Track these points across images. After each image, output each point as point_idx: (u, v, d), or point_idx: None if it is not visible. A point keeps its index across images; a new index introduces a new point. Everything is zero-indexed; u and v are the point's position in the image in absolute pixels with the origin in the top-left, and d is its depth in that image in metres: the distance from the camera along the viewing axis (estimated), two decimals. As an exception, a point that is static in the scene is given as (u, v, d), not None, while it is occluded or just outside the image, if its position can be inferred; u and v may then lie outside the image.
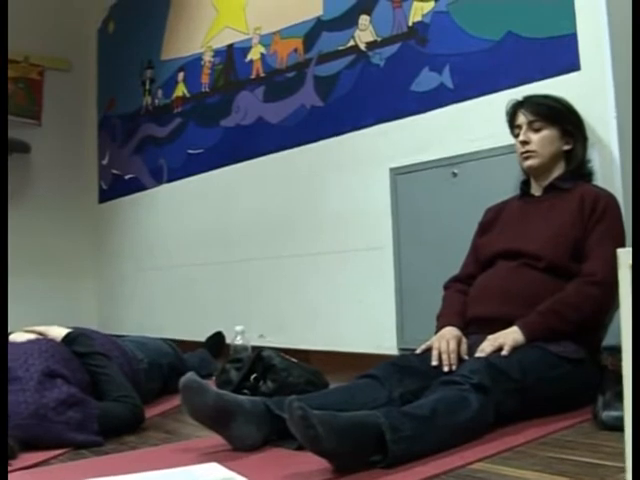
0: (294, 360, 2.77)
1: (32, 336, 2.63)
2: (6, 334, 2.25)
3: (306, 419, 1.69)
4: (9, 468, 1.96)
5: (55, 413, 2.21)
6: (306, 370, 2.76)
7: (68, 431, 2.22)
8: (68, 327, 2.69)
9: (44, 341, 2.54)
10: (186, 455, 2.07)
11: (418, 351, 2.49)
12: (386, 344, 3.57)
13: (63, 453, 2.18)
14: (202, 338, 4.32)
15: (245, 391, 2.62)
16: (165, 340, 3.34)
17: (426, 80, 3.54)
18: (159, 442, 2.35)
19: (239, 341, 3.45)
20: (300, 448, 2.01)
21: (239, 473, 1.80)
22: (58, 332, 2.63)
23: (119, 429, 2.39)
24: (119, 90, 6.12)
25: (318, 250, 4.08)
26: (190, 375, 2.07)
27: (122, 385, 2.50)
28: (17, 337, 2.64)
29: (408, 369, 2.35)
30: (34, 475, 1.94)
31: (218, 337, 4.20)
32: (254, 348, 3.17)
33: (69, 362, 2.45)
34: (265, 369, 2.67)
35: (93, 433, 2.27)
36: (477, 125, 3.32)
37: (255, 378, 2.66)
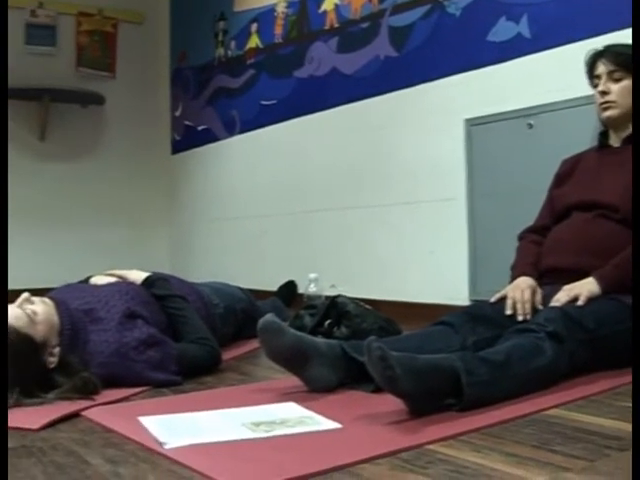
0: (368, 307, 2.79)
1: (112, 279, 2.70)
2: (6, 332, 2.30)
3: (385, 359, 1.71)
4: (92, 403, 2.04)
5: (136, 352, 2.27)
6: (379, 317, 2.79)
7: (148, 370, 2.28)
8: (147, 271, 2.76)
9: (124, 284, 2.60)
10: (263, 395, 2.11)
11: (492, 300, 2.49)
12: (458, 295, 3.57)
13: (143, 391, 2.25)
14: (272, 288, 4.38)
15: (319, 337, 2.65)
16: (239, 287, 3.39)
17: (503, 30, 3.50)
18: (236, 383, 2.41)
19: (312, 288, 3.49)
20: (375, 391, 2.05)
21: (316, 413, 1.85)
22: (138, 275, 2.69)
23: (197, 370, 2.45)
24: (191, 42, 6.16)
25: (389, 201, 4.09)
26: (269, 316, 2.11)
27: (200, 327, 2.55)
28: (98, 280, 2.71)
29: (482, 317, 2.35)
30: (116, 410, 2.00)
31: (290, 286, 4.24)
32: (326, 297, 3.20)
33: (148, 304, 2.50)
34: (339, 315, 2.70)
35: (172, 373, 2.34)
36: (554, 76, 3.27)
37: (329, 324, 2.70)
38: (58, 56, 6.33)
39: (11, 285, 5.44)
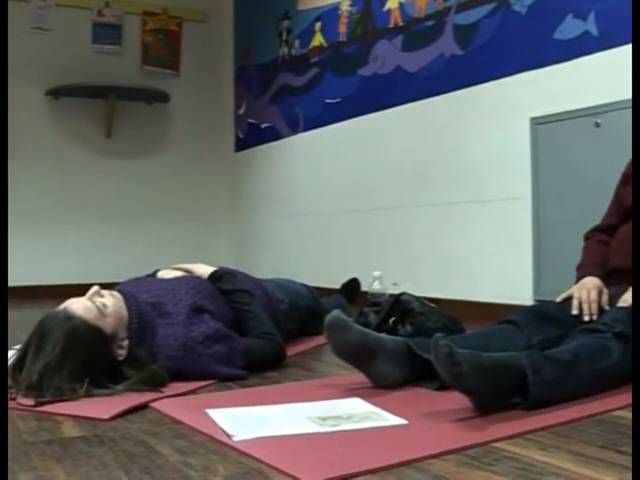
0: (432, 305, 2.79)
1: (179, 273, 2.73)
2: (6, 332, 2.33)
3: (452, 356, 1.71)
4: (160, 395, 2.08)
5: (202, 347, 2.30)
6: (443, 315, 2.78)
7: (214, 364, 2.31)
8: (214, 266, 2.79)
9: (191, 278, 2.63)
10: (328, 390, 2.13)
11: (558, 300, 2.47)
12: (521, 295, 3.55)
13: (209, 385, 2.28)
14: (335, 285, 4.39)
15: (383, 334, 2.66)
16: (303, 284, 3.40)
17: (569, 28, 3.46)
18: (301, 378, 2.43)
19: (377, 286, 3.49)
20: (440, 388, 2.05)
21: (382, 409, 1.86)
22: (204, 270, 2.72)
23: (262, 365, 2.47)
24: (255, 41, 6.20)
25: (454, 199, 4.08)
26: (336, 312, 2.12)
27: (265, 322, 2.57)
28: (165, 274, 2.75)
29: (547, 317, 2.34)
30: (184, 402, 2.04)
31: (354, 283, 4.25)
32: (390, 295, 3.21)
33: (215, 299, 2.53)
34: (403, 313, 2.70)
35: (238, 367, 2.36)
36: (621, 74, 3.22)
37: (394, 321, 2.70)
38: (124, 55, 6.44)
39: (77, 280, 5.60)
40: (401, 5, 4.48)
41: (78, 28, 6.29)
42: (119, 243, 6.23)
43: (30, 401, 1.99)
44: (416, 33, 4.36)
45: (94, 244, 6.18)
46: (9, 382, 2.12)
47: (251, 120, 6.20)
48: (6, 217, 3.13)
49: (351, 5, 4.95)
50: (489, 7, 3.87)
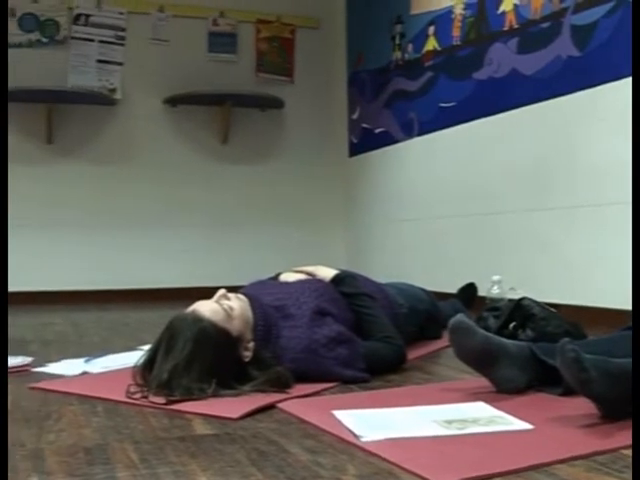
0: (553, 310, 2.76)
1: (302, 276, 2.78)
2: (6, 332, 2.37)
3: (579, 362, 1.70)
4: (286, 395, 2.12)
5: (325, 349, 2.34)
6: (565, 321, 2.75)
7: (337, 366, 2.35)
8: (335, 268, 2.83)
9: (314, 281, 2.68)
10: (451, 394, 2.13)
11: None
12: (645, 301, 3.47)
13: (333, 387, 2.31)
14: (449, 289, 4.38)
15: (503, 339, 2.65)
16: (422, 288, 3.41)
17: (694, 26, 3.37)
18: (422, 381, 2.44)
19: (495, 290, 3.47)
20: (565, 394, 2.04)
21: (506, 413, 1.86)
22: (326, 273, 2.76)
23: (383, 368, 2.49)
24: (368, 46, 6.23)
25: (572, 203, 4.02)
26: (460, 316, 2.13)
27: (387, 326, 2.59)
28: (288, 277, 2.80)
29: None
30: (310, 403, 2.08)
31: (471, 288, 4.22)
32: (510, 299, 3.18)
33: (337, 302, 2.57)
34: (524, 317, 2.68)
35: (360, 370, 2.39)
36: None
37: (514, 326, 2.68)
38: (239, 62, 6.56)
39: (194, 283, 5.73)
40: (516, 7, 4.43)
41: (194, 38, 6.44)
42: (234, 246, 6.36)
43: (161, 399, 2.06)
44: (532, 35, 4.31)
45: (210, 247, 6.32)
46: (139, 381, 2.20)
47: (365, 125, 6.23)
48: (6, 218, 3.23)
49: (465, 8, 4.93)
50: (608, 6, 3.80)
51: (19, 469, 1.51)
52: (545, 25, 4.21)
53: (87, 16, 6.16)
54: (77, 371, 2.69)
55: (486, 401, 1.99)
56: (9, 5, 5.93)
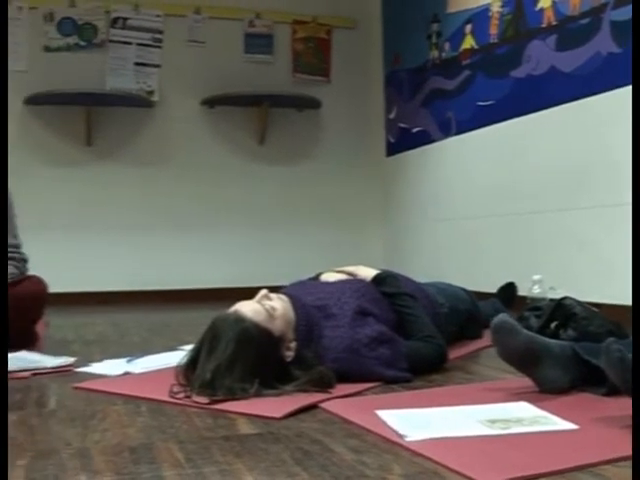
0: (595, 309, 2.74)
1: (343, 276, 2.78)
2: (7, 330, 2.36)
3: (624, 361, 1.69)
4: (328, 395, 2.13)
5: (367, 349, 2.34)
6: (607, 320, 2.72)
7: (379, 366, 2.35)
8: (376, 268, 2.83)
9: (355, 281, 2.68)
10: (493, 394, 2.13)
11: None
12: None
13: (375, 386, 2.31)
14: (488, 289, 4.36)
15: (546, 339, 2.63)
16: (462, 288, 3.40)
17: None
18: (463, 381, 2.44)
19: (536, 290, 3.45)
20: (608, 394, 2.02)
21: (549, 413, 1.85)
22: (367, 272, 2.76)
23: (425, 368, 2.48)
24: (404, 45, 6.22)
25: (611, 202, 3.98)
26: (503, 316, 2.13)
27: (428, 326, 2.59)
28: (328, 277, 2.81)
29: None
30: (352, 403, 2.09)
31: (511, 287, 4.21)
32: (550, 299, 3.17)
33: (378, 302, 2.57)
34: (566, 317, 2.66)
35: (402, 369, 2.39)
36: None
37: (555, 326, 2.66)
38: (275, 63, 6.58)
39: (232, 283, 5.76)
40: (554, 3, 4.40)
41: (231, 39, 6.47)
42: (271, 247, 6.37)
43: (204, 399, 2.07)
44: (571, 32, 4.28)
45: (248, 248, 6.34)
46: (182, 381, 2.22)
47: (402, 124, 6.22)
48: (6, 219, 3.26)
49: (502, 6, 4.90)
50: (649, 2, 3.76)
51: (67, 468, 1.53)
52: (584, 21, 4.18)
53: (124, 19, 6.21)
54: (119, 371, 2.71)
55: (529, 401, 1.98)
56: (48, 10, 6.00)
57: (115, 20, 6.20)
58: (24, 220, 3.55)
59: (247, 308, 2.24)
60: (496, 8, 4.96)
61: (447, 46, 5.55)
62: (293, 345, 2.28)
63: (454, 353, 2.86)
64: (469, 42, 5.27)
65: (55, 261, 5.25)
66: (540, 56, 4.52)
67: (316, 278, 2.87)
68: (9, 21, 5.83)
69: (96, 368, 2.79)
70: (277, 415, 1.91)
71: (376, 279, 2.71)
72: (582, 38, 4.18)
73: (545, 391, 2.11)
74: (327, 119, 6.63)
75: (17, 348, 3.01)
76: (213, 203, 6.30)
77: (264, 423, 1.87)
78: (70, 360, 2.85)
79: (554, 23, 4.41)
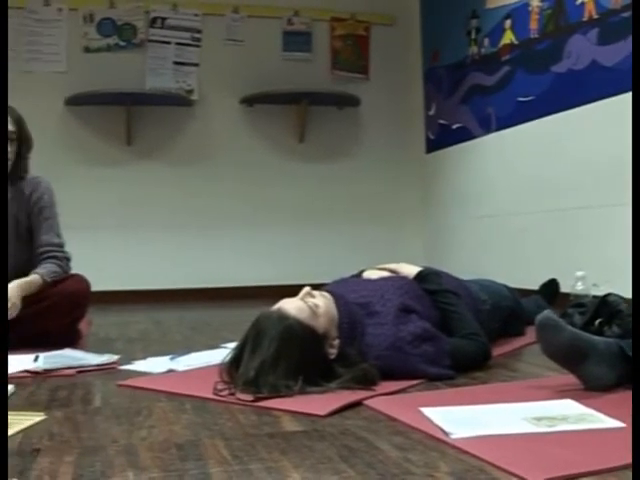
0: (640, 306, 2.71)
1: (385, 273, 2.78)
2: (7, 330, 2.35)
3: (672, 358, 1.67)
4: (372, 393, 2.13)
5: (411, 346, 2.34)
6: (653, 317, 2.70)
7: (422, 363, 2.34)
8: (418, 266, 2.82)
9: (397, 278, 2.68)
10: (538, 391, 2.12)
11: None
12: None
13: (418, 384, 2.31)
14: (530, 286, 4.33)
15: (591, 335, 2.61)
16: (505, 285, 3.38)
17: None
18: (507, 379, 2.42)
19: (580, 286, 3.42)
20: (655, 391, 2.00)
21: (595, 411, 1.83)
22: (409, 270, 2.76)
23: (468, 365, 2.48)
24: (443, 41, 6.20)
25: (657, 197, 3.93)
26: (547, 313, 2.11)
27: (471, 323, 2.58)
28: (371, 274, 2.81)
29: None
30: (397, 400, 2.08)
31: (553, 284, 4.17)
32: (594, 296, 3.14)
33: (421, 299, 2.57)
34: (610, 314, 2.64)
35: (445, 367, 2.38)
36: None
37: (600, 322, 2.64)
38: (314, 61, 6.59)
39: (272, 281, 5.78)
40: (595, -3, 4.37)
41: (269, 37, 6.49)
42: (310, 245, 6.38)
43: (248, 397, 2.08)
44: (612, 25, 4.23)
45: (286, 246, 6.36)
46: (226, 378, 2.23)
47: (442, 121, 6.20)
48: (6, 218, 3.27)
49: (542, 0, 4.86)
50: (695, -7, 3.71)
51: (114, 464, 1.55)
52: (626, 14, 4.13)
53: (163, 19, 6.26)
54: (162, 369, 2.73)
55: (574, 398, 1.97)
56: (88, 11, 6.06)
57: (154, 20, 6.25)
58: (65, 219, 3.58)
59: (291, 305, 2.25)
60: (536, 3, 4.92)
61: (486, 42, 5.52)
62: (336, 342, 2.29)
63: (497, 350, 2.84)
64: (509, 37, 5.23)
65: (97, 260, 5.30)
66: (581, 51, 4.47)
67: (358, 275, 2.88)
68: (49, 22, 5.93)
69: (139, 366, 2.81)
70: (321, 412, 1.91)
71: (418, 276, 2.70)
72: (624, 32, 4.13)
73: (591, 388, 2.09)
74: (366, 116, 6.63)
75: (61, 346, 3.06)
76: (252, 201, 6.32)
77: (309, 420, 1.87)
78: (114, 358, 2.88)
79: (595, 17, 4.36)
